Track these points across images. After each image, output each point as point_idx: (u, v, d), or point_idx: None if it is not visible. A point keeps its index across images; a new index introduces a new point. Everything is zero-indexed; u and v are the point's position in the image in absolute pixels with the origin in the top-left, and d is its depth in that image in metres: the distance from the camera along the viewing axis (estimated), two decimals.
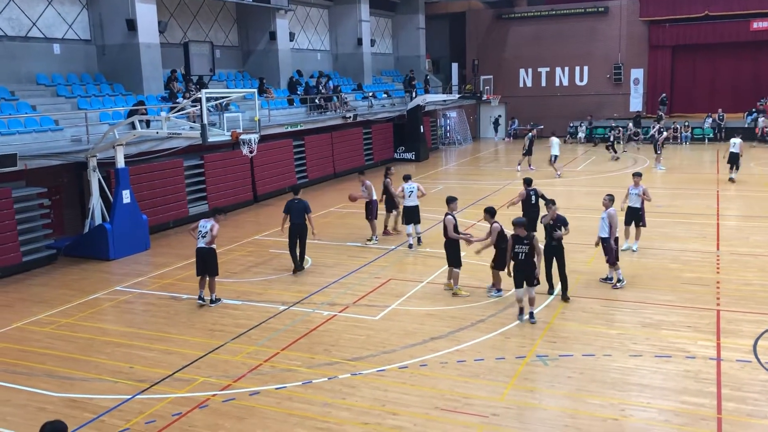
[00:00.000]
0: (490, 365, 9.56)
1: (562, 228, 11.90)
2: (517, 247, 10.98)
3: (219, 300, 12.81)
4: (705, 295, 12.19)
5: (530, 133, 29.08)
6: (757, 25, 37.12)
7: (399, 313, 11.85)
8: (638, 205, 14.96)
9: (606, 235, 12.59)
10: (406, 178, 16.40)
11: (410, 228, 16.17)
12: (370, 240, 16.98)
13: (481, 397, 8.63)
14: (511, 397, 8.64)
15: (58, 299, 13.34)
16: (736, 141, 23.76)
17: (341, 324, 11.43)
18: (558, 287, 12.28)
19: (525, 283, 10.99)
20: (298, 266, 14.56)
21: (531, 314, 11.12)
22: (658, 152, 27.37)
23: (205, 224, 12.63)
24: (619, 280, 12.79)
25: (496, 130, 43.35)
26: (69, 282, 14.62)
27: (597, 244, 13.01)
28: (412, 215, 16.08)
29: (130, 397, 8.95)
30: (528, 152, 28.20)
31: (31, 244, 15.75)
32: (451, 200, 12.92)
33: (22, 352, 10.64)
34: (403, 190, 16.12)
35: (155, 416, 8.40)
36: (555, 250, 12.03)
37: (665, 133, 28.38)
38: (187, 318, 12.03)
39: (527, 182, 15.89)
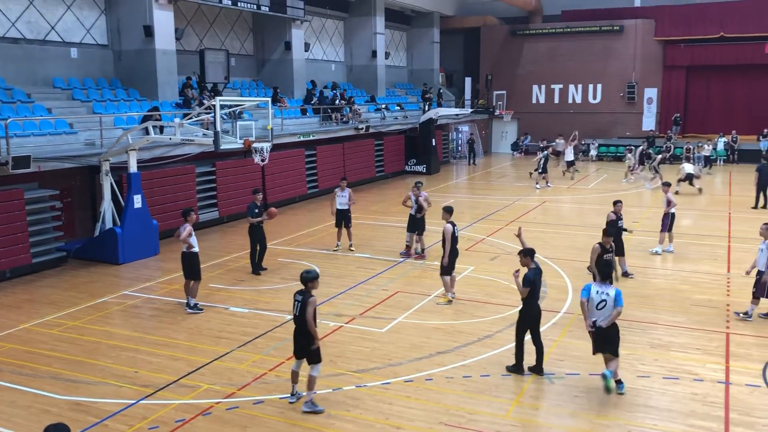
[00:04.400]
0: (497, 381, 9.50)
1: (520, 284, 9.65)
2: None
3: (197, 308, 12.69)
4: (715, 318, 12.08)
5: (545, 151, 29.10)
6: None
7: (406, 326, 11.81)
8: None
9: (764, 269, 11.76)
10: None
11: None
12: (336, 248, 17.25)
13: (486, 414, 8.57)
14: (516, 414, 8.58)
15: (66, 301, 13.39)
16: (686, 164, 27.08)
17: (347, 335, 11.39)
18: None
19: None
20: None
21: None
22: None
23: (182, 228, 12.73)
24: (746, 313, 12.04)
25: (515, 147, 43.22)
26: (78, 285, 14.68)
27: (748, 273, 12.31)
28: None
29: (134, 402, 8.95)
30: (543, 170, 28.38)
31: (41, 246, 15.84)
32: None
33: (29, 354, 10.67)
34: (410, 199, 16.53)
35: (158, 422, 8.39)
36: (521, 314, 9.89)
37: (632, 158, 29.48)
38: (193, 324, 12.04)
39: (616, 203, 14.88)
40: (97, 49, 21.35)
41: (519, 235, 11.50)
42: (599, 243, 12.29)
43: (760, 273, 11.89)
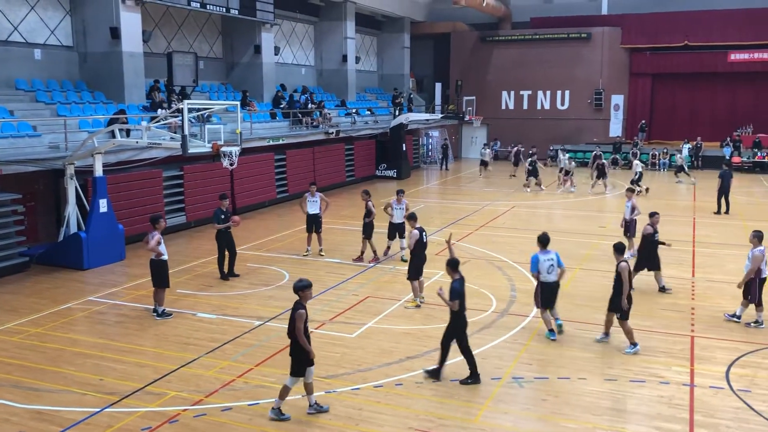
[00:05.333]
0: (466, 386, 9.51)
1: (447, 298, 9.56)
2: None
3: (165, 314, 12.53)
4: (680, 321, 12.27)
5: (530, 159, 29.38)
6: (735, 56, 37.90)
7: (375, 331, 11.78)
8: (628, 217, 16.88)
9: (752, 275, 11.71)
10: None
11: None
12: (306, 253, 17.19)
13: (455, 418, 8.57)
14: (485, 419, 8.60)
15: (28, 308, 13.08)
16: (638, 162, 28.51)
17: (317, 341, 11.24)
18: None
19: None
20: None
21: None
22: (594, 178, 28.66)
23: (150, 236, 12.57)
24: (756, 322, 11.90)
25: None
26: (41, 291, 14.36)
27: (740, 286, 12.02)
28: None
29: (98, 410, 8.77)
30: (533, 174, 28.94)
31: (2, 251, 15.46)
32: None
33: None
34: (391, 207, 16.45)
35: (124, 430, 8.23)
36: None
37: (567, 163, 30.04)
38: (160, 331, 11.86)
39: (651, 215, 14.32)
40: (62, 51, 20.98)
41: (448, 242, 11.45)
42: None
43: (752, 280, 11.83)
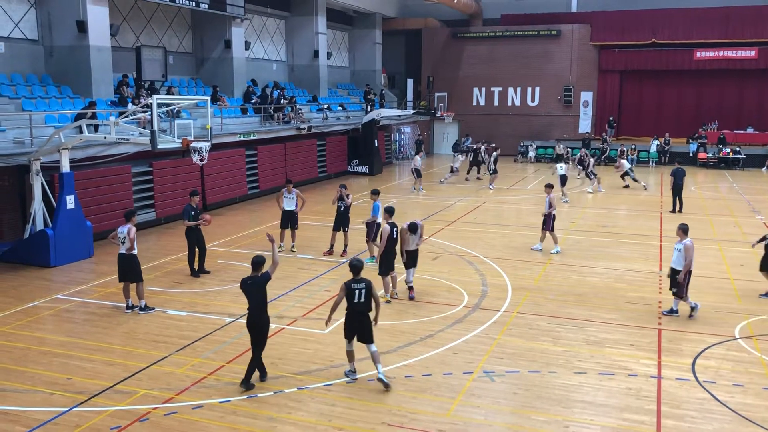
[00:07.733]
0: (438, 380, 9.57)
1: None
2: None
3: (150, 308, 12.54)
4: (647, 314, 12.48)
5: (495, 153, 29.44)
6: (700, 54, 38.62)
7: None
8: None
9: (680, 267, 11.99)
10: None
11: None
12: (280, 249, 17.00)
13: (427, 413, 8.62)
14: (457, 412, 8.66)
15: None
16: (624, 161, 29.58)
17: (289, 337, 11.29)
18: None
19: None
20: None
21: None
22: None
23: (122, 230, 12.48)
24: (671, 310, 12.30)
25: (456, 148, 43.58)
26: (5, 289, 14.07)
27: (668, 276, 12.39)
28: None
29: (66, 409, 8.63)
30: (493, 171, 28.79)
31: None
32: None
33: None
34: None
35: (93, 430, 8.12)
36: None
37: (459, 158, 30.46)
38: (130, 328, 11.71)
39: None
40: (27, 44, 20.55)
41: (271, 240, 10.85)
42: None
43: (674, 271, 12.14)
